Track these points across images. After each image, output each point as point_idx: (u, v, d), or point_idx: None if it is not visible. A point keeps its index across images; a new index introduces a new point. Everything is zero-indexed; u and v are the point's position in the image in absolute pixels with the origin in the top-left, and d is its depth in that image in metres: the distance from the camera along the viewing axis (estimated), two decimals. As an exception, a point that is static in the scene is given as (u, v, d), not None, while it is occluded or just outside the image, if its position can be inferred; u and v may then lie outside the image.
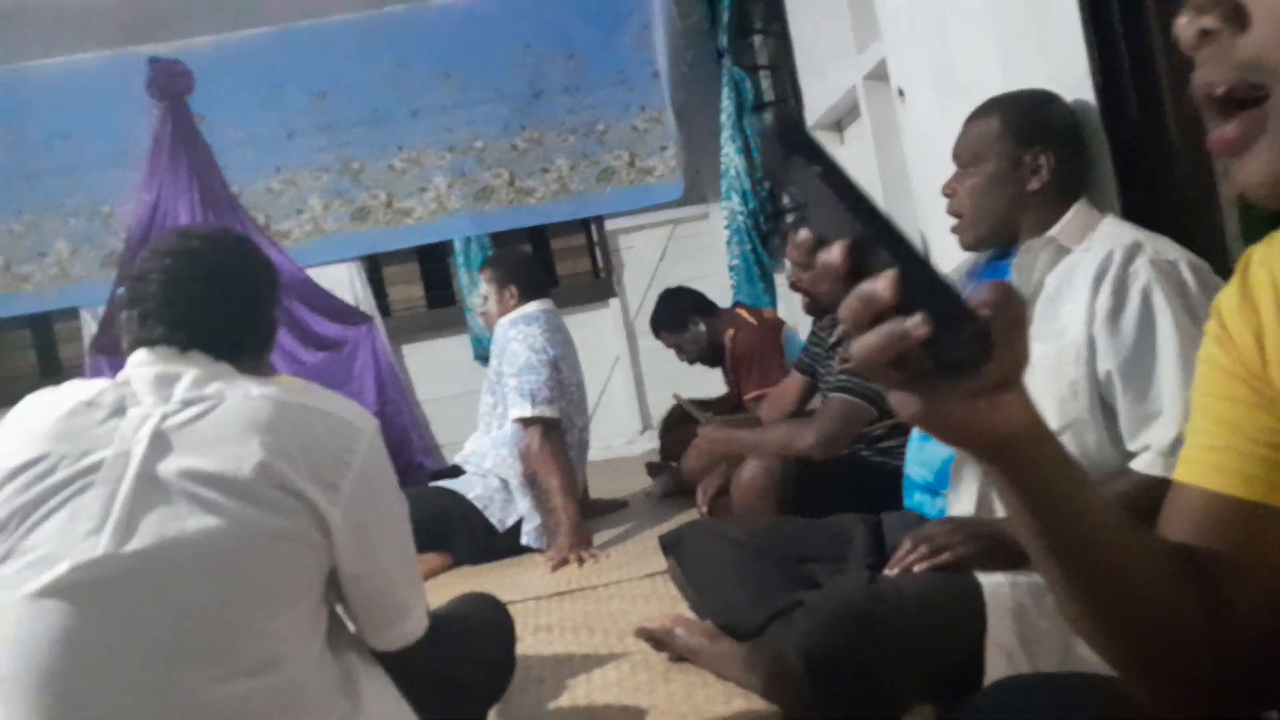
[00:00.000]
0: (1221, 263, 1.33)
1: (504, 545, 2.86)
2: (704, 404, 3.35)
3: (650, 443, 4.49)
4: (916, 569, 1.33)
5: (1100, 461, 1.28)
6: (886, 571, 1.39)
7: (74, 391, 1.07)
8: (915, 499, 1.62)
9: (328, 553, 1.05)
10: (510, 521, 2.87)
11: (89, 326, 4.49)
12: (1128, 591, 0.60)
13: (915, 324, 0.46)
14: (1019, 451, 0.54)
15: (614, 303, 4.91)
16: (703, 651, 1.66)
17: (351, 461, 1.06)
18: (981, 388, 0.50)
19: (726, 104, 4.25)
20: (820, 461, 2.02)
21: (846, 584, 1.45)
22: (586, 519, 2.89)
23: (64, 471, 0.99)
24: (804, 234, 0.53)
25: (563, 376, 2.89)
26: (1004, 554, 1.28)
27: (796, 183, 0.50)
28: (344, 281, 4.64)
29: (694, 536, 1.82)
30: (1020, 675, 0.87)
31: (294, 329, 4.39)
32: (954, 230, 1.53)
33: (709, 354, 3.47)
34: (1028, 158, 1.43)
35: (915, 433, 1.65)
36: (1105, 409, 1.29)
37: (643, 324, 4.13)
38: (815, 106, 3.50)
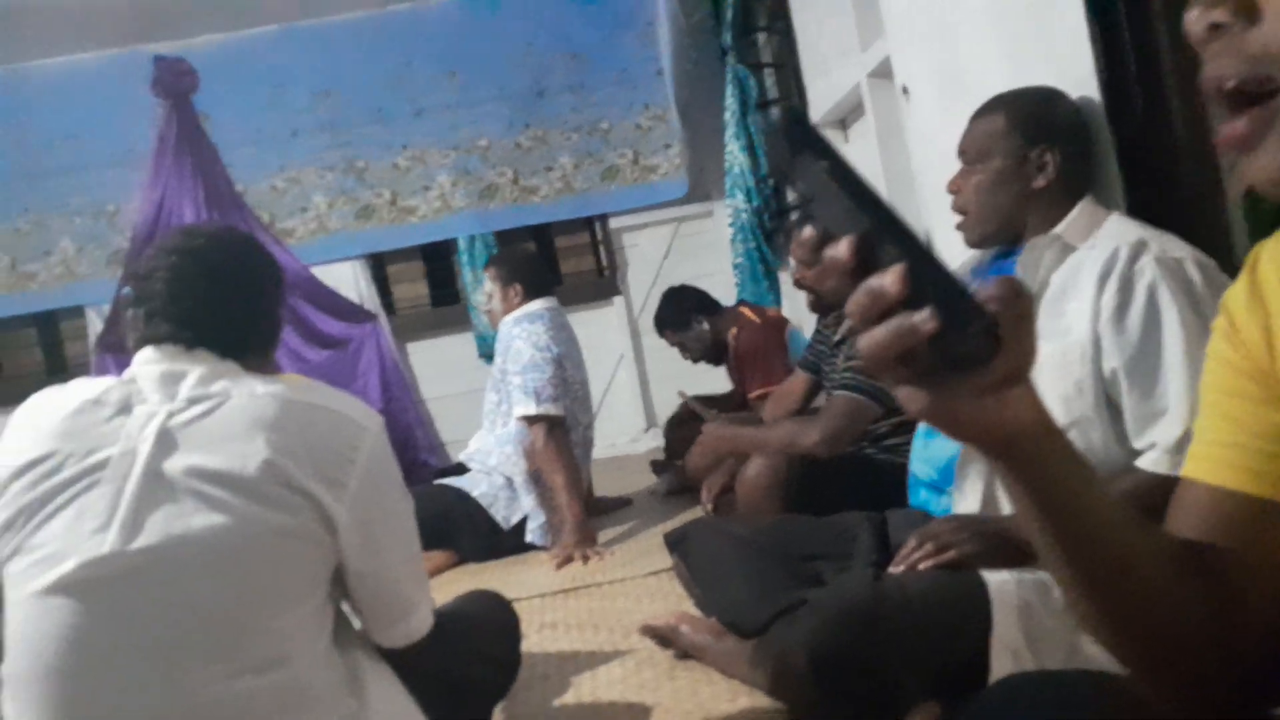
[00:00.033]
0: (1227, 260, 1.33)
1: (509, 543, 2.87)
2: (711, 401, 3.34)
3: (655, 440, 4.49)
4: (921, 566, 1.33)
5: (1106, 459, 1.28)
6: (891, 569, 1.38)
7: (80, 389, 1.07)
8: (920, 496, 1.61)
9: (333, 550, 1.05)
10: (515, 519, 2.87)
11: (94, 325, 4.51)
12: (1135, 588, 0.60)
13: (923, 319, 0.46)
14: (1026, 447, 0.54)
15: (618, 301, 4.91)
16: (708, 649, 1.66)
17: (357, 459, 1.06)
18: (989, 383, 0.50)
19: (730, 102, 4.25)
20: (825, 459, 2.02)
21: (851, 582, 1.45)
22: (591, 517, 2.89)
23: (70, 469, 0.99)
24: (809, 230, 0.53)
25: (567, 374, 2.89)
26: (1009, 551, 1.28)
27: (803, 178, 0.50)
28: (348, 280, 4.64)
29: (699, 534, 1.82)
30: (1026, 673, 0.87)
31: (299, 327, 4.41)
32: (959, 227, 1.52)
33: (712, 352, 3.47)
34: (1033, 155, 1.42)
35: (920, 430, 1.65)
36: (1111, 407, 1.29)
37: (647, 322, 4.13)
38: (819, 104, 3.50)
